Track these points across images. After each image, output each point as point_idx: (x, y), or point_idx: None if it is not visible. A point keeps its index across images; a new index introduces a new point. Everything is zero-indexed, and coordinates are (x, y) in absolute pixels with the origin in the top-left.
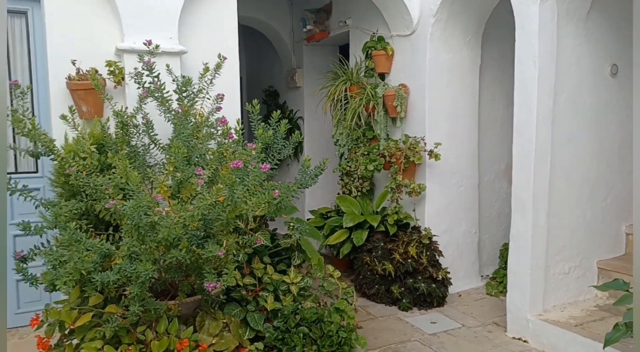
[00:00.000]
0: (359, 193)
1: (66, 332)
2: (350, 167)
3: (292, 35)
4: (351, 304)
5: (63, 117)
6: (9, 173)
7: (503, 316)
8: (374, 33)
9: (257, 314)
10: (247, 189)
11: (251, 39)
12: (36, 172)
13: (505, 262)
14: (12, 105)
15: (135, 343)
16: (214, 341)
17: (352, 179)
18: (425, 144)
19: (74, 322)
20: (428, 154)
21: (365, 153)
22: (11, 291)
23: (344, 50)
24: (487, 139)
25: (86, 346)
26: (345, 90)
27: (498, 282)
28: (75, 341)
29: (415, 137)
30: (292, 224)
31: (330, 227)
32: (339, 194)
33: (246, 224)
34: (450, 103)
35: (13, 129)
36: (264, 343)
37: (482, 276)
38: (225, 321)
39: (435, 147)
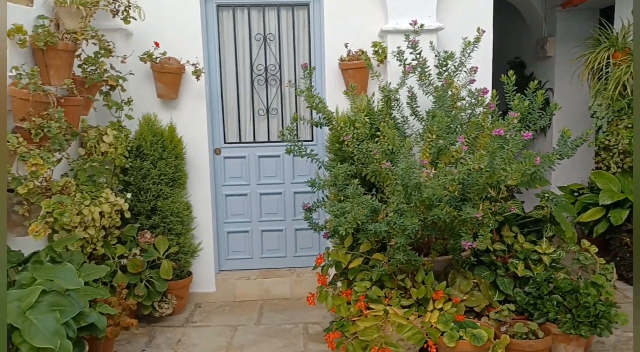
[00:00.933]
0: (619, 169)
1: (339, 272)
2: (609, 141)
3: (544, 1)
4: (610, 281)
5: (346, 93)
6: (306, 141)
7: None
8: None
9: (507, 279)
10: (504, 158)
11: (495, 9)
12: (312, 140)
13: None
14: (295, 83)
15: (396, 288)
16: (464, 298)
17: (611, 154)
18: None
19: (348, 264)
20: None
21: (629, 126)
22: (290, 239)
23: (605, 14)
24: None
25: (358, 284)
26: (608, 58)
27: None
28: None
29: None
30: (546, 195)
31: (583, 204)
32: (593, 169)
33: (498, 193)
34: None
35: (296, 103)
36: (514, 306)
37: None
38: (475, 281)
39: None
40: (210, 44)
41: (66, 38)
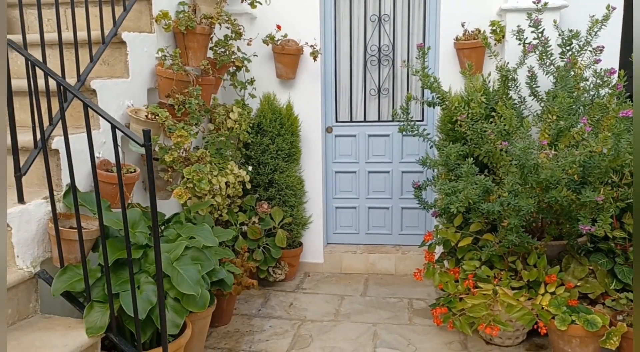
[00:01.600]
0: None
1: (447, 250)
2: None
3: None
4: None
5: (462, 72)
6: (417, 121)
7: None
8: None
9: (626, 268)
10: (630, 141)
11: None
12: (422, 120)
13: None
14: (407, 62)
15: (506, 270)
16: (579, 283)
17: None
18: None
19: (457, 242)
20: None
21: None
22: (396, 217)
23: None
24: None
25: (467, 263)
26: None
27: None
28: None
29: None
30: None
31: None
32: None
33: (621, 178)
34: None
35: (408, 84)
36: (633, 295)
37: None
38: (590, 267)
39: None
40: (327, 25)
41: (203, 22)
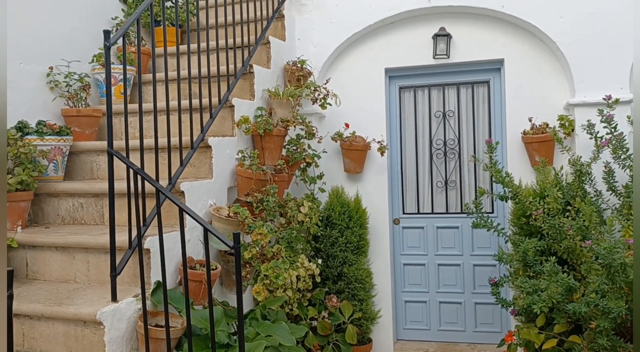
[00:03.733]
0: None
1: None
2: None
3: None
4: None
5: (537, 168)
6: (486, 213)
7: None
8: None
9: None
10: None
11: None
12: (492, 212)
13: None
14: (475, 156)
15: None
16: None
17: None
18: None
19: (541, 345)
20: None
21: None
22: (470, 312)
23: None
24: None
25: None
26: None
27: None
28: None
29: None
30: None
31: None
32: None
33: None
34: None
35: (475, 176)
36: None
37: None
38: None
39: None
40: (392, 121)
41: (279, 125)
